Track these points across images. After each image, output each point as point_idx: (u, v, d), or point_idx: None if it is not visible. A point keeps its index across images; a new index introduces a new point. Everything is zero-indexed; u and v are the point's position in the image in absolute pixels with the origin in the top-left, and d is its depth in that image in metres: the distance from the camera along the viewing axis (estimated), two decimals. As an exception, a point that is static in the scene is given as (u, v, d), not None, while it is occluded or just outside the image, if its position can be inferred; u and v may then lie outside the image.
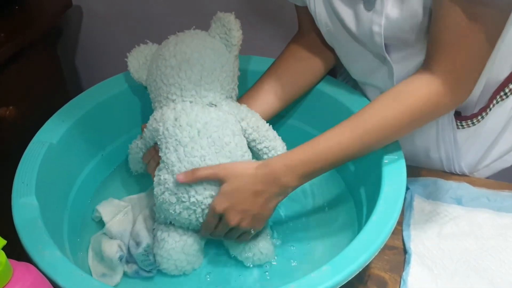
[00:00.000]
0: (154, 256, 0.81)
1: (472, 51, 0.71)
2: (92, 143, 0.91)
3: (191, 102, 0.80)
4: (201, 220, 0.78)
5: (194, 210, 0.77)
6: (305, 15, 0.88)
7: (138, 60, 0.87)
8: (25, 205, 0.73)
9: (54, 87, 1.34)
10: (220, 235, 0.78)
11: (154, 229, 0.83)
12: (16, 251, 0.62)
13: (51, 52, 1.34)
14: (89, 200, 0.91)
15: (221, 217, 0.76)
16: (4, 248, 0.54)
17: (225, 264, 0.83)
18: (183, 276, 0.81)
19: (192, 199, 0.76)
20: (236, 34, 0.83)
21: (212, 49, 0.82)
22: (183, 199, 0.76)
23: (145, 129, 0.84)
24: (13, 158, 0.81)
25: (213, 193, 0.76)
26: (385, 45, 0.78)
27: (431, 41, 0.73)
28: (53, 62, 1.34)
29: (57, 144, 0.83)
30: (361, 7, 0.76)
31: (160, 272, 0.81)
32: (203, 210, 0.77)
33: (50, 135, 0.83)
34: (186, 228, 0.81)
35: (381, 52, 0.79)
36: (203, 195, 0.76)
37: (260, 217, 0.77)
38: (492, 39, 0.70)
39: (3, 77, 1.15)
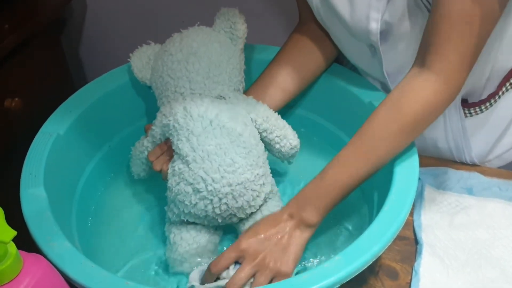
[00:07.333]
0: None
1: (470, 43, 0.67)
2: (100, 134, 0.91)
3: (200, 94, 0.80)
4: (217, 211, 0.76)
5: (211, 200, 0.75)
6: (304, 5, 0.87)
7: (142, 60, 0.86)
8: (33, 196, 0.72)
9: (58, 78, 1.34)
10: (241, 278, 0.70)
11: (165, 231, 0.82)
12: (26, 242, 0.61)
13: (55, 43, 1.33)
14: (97, 191, 0.90)
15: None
16: (14, 239, 0.53)
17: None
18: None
19: (210, 188, 0.74)
20: (241, 27, 0.85)
21: (218, 42, 0.83)
22: (200, 189, 0.75)
23: (153, 127, 0.82)
24: (19, 150, 0.80)
25: (231, 181, 0.75)
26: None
27: (427, 33, 0.70)
28: (57, 53, 1.34)
29: (64, 135, 0.82)
30: None
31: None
32: (220, 199, 0.75)
33: (57, 125, 0.82)
34: (201, 223, 0.79)
35: (373, 42, 0.77)
36: (221, 183, 0.74)
37: (288, 255, 0.72)
38: (490, 26, 0.68)
39: (7, 68, 1.14)
